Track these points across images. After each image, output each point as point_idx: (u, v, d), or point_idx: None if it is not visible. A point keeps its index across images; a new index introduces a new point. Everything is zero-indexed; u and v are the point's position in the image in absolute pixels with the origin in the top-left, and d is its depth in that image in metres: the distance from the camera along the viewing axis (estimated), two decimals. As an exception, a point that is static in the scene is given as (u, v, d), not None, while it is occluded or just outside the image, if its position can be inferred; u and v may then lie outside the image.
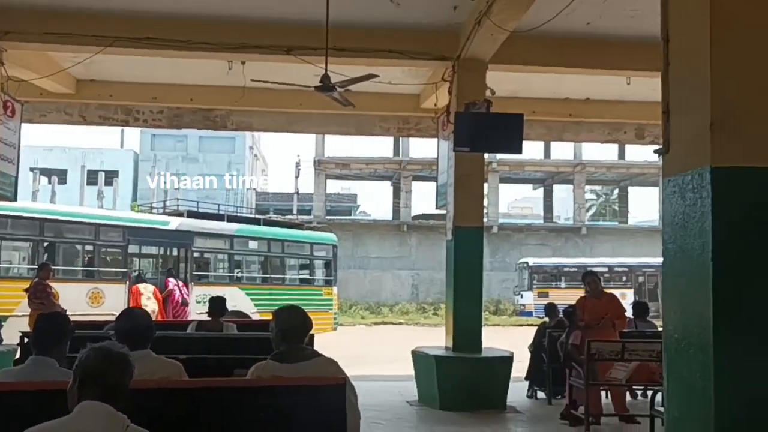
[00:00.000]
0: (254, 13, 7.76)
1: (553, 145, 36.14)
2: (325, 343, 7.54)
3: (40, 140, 38.31)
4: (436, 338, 10.83)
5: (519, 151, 7.59)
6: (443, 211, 8.97)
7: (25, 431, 2.20)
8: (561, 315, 8.66)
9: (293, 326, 3.46)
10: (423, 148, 33.27)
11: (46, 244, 12.82)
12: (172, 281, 14.04)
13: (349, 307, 29.94)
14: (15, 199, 8.73)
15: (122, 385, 2.27)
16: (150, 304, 13.03)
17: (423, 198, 36.63)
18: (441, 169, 8.93)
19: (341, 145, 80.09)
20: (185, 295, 14.13)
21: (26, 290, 10.05)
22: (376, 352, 15.75)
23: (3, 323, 9.28)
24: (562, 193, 45.83)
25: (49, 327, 3.30)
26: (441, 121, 8.86)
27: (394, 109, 10.97)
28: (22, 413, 3.13)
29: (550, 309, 9.40)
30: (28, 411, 3.11)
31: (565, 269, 31.63)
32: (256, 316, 14.36)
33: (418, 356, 8.21)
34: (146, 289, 13.30)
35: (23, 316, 10.31)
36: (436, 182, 9.27)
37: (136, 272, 13.74)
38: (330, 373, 3.35)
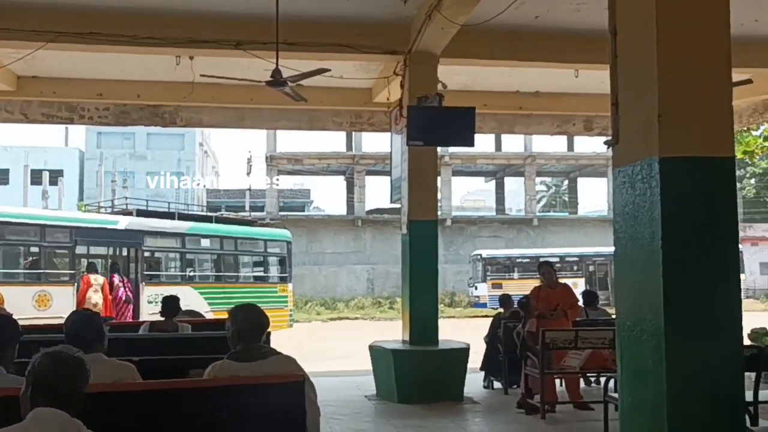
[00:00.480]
0: (202, 6, 7.63)
1: (504, 137, 36.65)
2: (281, 340, 7.50)
3: (-21, 139, 37.04)
4: (393, 332, 10.87)
5: (471, 144, 7.64)
6: (398, 205, 9.00)
7: (-29, 441, 2.12)
8: (515, 306, 8.78)
9: (249, 325, 3.42)
10: (376, 142, 33.34)
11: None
12: (117, 277, 13.78)
13: (304, 304, 29.82)
14: (-46, 201, 8.41)
15: (77, 390, 2.21)
16: (95, 296, 12.86)
17: (377, 192, 36.72)
18: (395, 163, 8.94)
19: (293, 141, 79.48)
20: (129, 292, 13.89)
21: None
22: (333, 348, 15.75)
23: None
24: (513, 185, 46.50)
25: (-2, 332, 3.18)
26: (394, 116, 8.87)
27: (347, 104, 10.94)
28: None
29: (505, 300, 9.52)
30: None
31: (518, 260, 32.09)
32: (210, 315, 14.15)
33: (375, 351, 8.22)
34: (96, 281, 13.09)
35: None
36: (390, 176, 9.28)
37: (90, 261, 13.40)
38: (288, 370, 3.32)
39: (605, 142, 3.85)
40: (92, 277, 13.07)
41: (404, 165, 8.38)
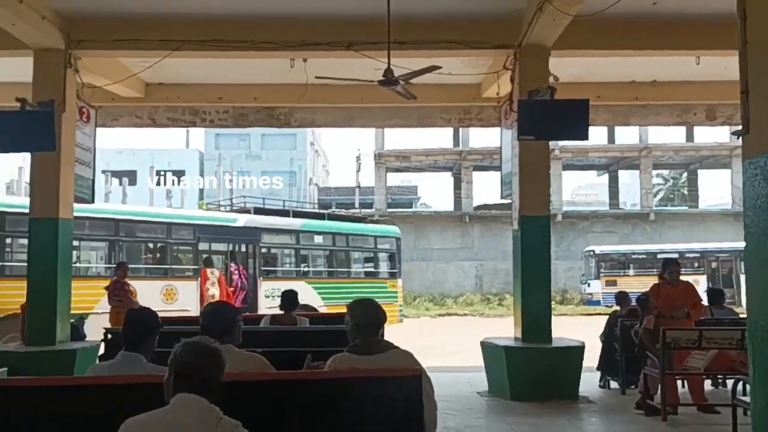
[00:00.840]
0: (315, 10, 7.84)
1: (618, 129, 35.32)
2: (391, 335, 7.60)
3: (111, 143, 39.67)
4: (503, 329, 10.78)
5: (585, 137, 7.45)
6: (508, 201, 8.90)
7: (126, 422, 2.31)
8: (633, 303, 8.49)
9: (368, 319, 3.52)
10: (483, 137, 33.03)
11: (121, 243, 13.30)
12: (233, 266, 14.74)
13: (413, 300, 30.02)
14: (92, 201, 9.08)
15: (214, 378, 2.36)
16: (212, 289, 13.56)
17: (484, 188, 36.37)
18: (505, 159, 8.85)
19: (401, 138, 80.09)
20: (244, 279, 14.79)
21: (106, 288, 10.46)
22: (443, 344, 15.77)
23: (84, 320, 9.69)
24: (627, 178, 44.74)
25: (139, 323, 3.43)
26: (503, 110, 8.79)
27: (455, 100, 10.92)
28: (115, 406, 3.28)
29: (622, 297, 9.22)
30: (120, 404, 3.26)
31: (634, 257, 30.89)
32: (323, 310, 14.57)
33: (487, 347, 8.19)
34: (212, 275, 13.77)
35: (103, 313, 10.74)
36: (500, 172, 9.19)
37: (206, 257, 14.17)
38: (406, 364, 3.39)
39: (733, 132, 3.67)
40: (209, 271, 13.77)
41: (515, 160, 8.29)
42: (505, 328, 10.06)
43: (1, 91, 9.68)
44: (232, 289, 14.32)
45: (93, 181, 8.90)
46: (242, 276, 14.80)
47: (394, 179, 44.91)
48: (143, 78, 9.98)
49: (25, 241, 10.69)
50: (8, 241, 11.83)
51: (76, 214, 8.54)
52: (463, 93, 10.61)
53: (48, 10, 7.47)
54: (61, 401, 3.25)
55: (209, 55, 8.27)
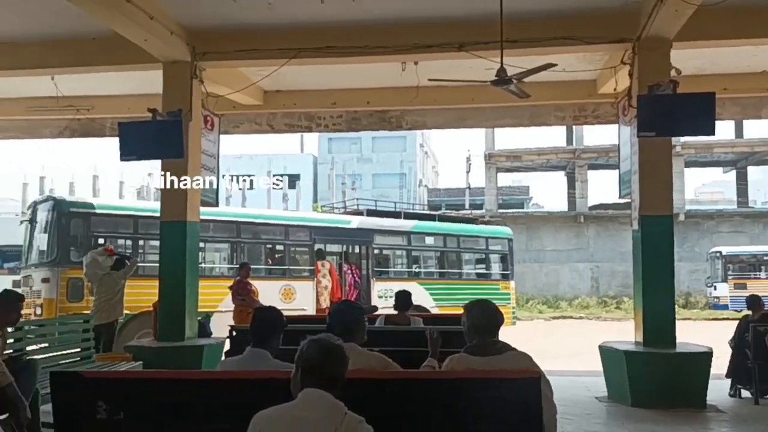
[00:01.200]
0: (426, 13, 7.89)
1: (746, 122, 33.17)
2: (504, 337, 7.52)
3: (230, 149, 41.55)
4: (621, 333, 10.40)
5: (711, 132, 7.08)
6: (626, 200, 8.59)
7: (258, 414, 2.43)
8: (767, 308, 7.98)
9: (485, 320, 3.52)
10: (598, 135, 31.95)
11: (242, 245, 13.92)
12: (345, 265, 15.14)
13: (525, 302, 29.50)
14: (217, 205, 9.56)
15: (339, 374, 2.45)
16: (324, 281, 14.05)
17: (600, 187, 35.19)
18: (623, 157, 8.55)
19: (512, 137, 78.90)
20: (357, 278, 15.14)
21: (230, 288, 10.98)
22: (558, 347, 15.41)
23: (209, 318, 10.21)
24: (758, 174, 41.95)
25: (265, 321, 3.60)
26: (621, 106, 8.49)
27: (570, 97, 10.65)
28: (244, 399, 3.45)
29: (753, 301, 8.66)
30: (248, 397, 3.43)
31: (766, 258, 28.91)
32: (435, 311, 14.61)
33: (606, 351, 7.93)
34: (323, 266, 14.23)
35: (227, 311, 11.28)
36: (618, 170, 8.88)
37: (318, 249, 14.62)
38: (524, 366, 3.36)
39: None
40: (320, 263, 14.23)
41: (634, 158, 7.99)
42: (624, 332, 9.70)
43: (135, 103, 10.43)
44: (346, 288, 14.72)
45: (217, 185, 9.36)
46: (355, 275, 15.16)
47: (505, 179, 44.35)
48: (262, 86, 10.41)
49: (155, 243, 11.43)
50: (141, 243, 12.65)
51: (201, 217, 9.02)
52: (578, 90, 10.34)
53: (175, 25, 7.94)
54: (196, 393, 3.46)
55: (324, 62, 8.50)
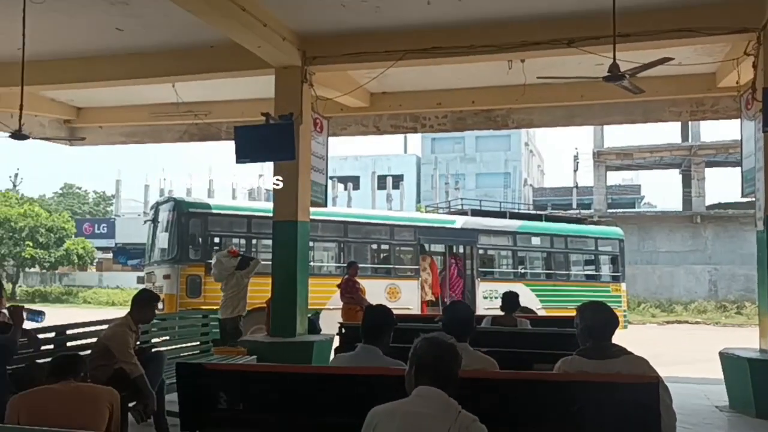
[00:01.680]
0: (534, 10, 7.76)
1: None
2: (616, 341, 7.29)
3: (336, 151, 42.45)
4: (743, 339, 9.83)
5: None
6: (749, 199, 8.11)
7: (374, 409, 2.49)
8: None
9: (599, 322, 3.43)
10: (716, 131, 30.29)
11: (349, 244, 14.21)
12: (450, 258, 15.49)
13: (637, 305, 28.38)
14: (326, 205, 9.80)
15: (453, 373, 2.47)
16: (423, 274, 14.35)
17: (718, 186, 33.34)
18: (746, 153, 8.07)
19: (622, 134, 76.05)
20: (460, 267, 15.42)
21: (338, 286, 11.24)
22: (673, 353, 14.72)
23: (319, 315, 10.49)
24: None
25: (377, 319, 3.67)
26: (744, 100, 8.01)
27: (686, 92, 10.16)
28: (357, 393, 3.54)
29: None
30: (359, 392, 3.51)
31: None
32: (541, 313, 14.35)
33: (727, 358, 7.52)
34: (424, 261, 14.57)
35: (335, 309, 11.55)
36: (741, 167, 8.39)
37: (419, 243, 14.78)
38: (641, 371, 3.27)
39: None
40: (420, 257, 14.61)
41: (758, 154, 7.52)
42: (746, 339, 9.17)
43: (248, 107, 10.88)
44: (451, 276, 15.07)
45: (326, 186, 9.61)
46: (459, 265, 15.50)
47: (615, 178, 42.84)
48: (368, 88, 10.57)
49: (267, 242, 11.86)
50: (254, 241, 13.16)
51: (310, 217, 9.27)
52: (696, 83, 9.86)
53: (287, 31, 8.21)
54: (311, 387, 3.58)
55: (430, 63, 8.54)
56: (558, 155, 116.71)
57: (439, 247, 16.26)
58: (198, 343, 8.42)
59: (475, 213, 16.90)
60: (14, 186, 46.11)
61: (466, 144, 46.26)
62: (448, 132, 12.82)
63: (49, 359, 5.25)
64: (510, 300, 6.61)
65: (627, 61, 7.06)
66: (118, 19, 7.80)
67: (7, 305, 5.56)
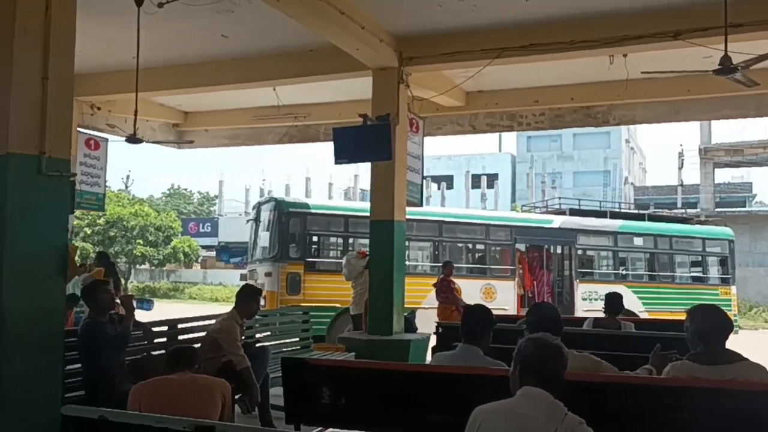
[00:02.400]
0: (637, 3, 7.50)
1: None
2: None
3: (429, 151, 42.48)
4: None
5: None
6: None
7: (478, 408, 2.50)
8: None
9: (711, 326, 3.30)
10: (838, 123, 28.14)
11: (444, 243, 14.21)
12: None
13: (748, 309, 26.86)
14: (422, 205, 9.84)
15: (558, 374, 2.44)
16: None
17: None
18: None
19: (730, 130, 72.22)
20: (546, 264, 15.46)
21: (434, 285, 11.26)
22: (790, 361, 13.86)
23: (414, 314, 10.56)
24: None
25: (477, 318, 3.67)
26: None
27: (804, 83, 9.53)
28: (455, 393, 3.56)
29: None
30: (460, 391, 3.52)
31: None
32: (644, 315, 13.84)
33: None
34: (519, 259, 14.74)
35: (430, 308, 11.58)
36: None
37: (515, 243, 14.74)
38: (759, 378, 3.11)
39: None
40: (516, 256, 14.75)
41: None
42: None
43: (345, 109, 11.08)
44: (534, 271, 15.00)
45: (421, 186, 9.65)
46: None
47: (723, 176, 40.70)
48: (464, 87, 10.53)
49: (362, 241, 12.04)
50: (350, 240, 13.39)
51: (406, 216, 9.34)
52: (817, 74, 9.23)
53: (384, 32, 8.30)
54: (412, 385, 3.63)
55: (527, 60, 8.41)
56: (661, 152, 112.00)
57: (536, 248, 16.01)
58: (298, 339, 8.68)
59: (574, 212, 16.52)
60: (126, 187, 48.79)
61: (563, 142, 45.20)
62: (546, 130, 12.59)
63: (162, 351, 5.58)
64: (614, 301, 6.42)
65: (738, 53, 6.72)
66: (224, 26, 8.12)
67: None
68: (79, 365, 5.03)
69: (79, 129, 10.07)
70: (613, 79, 9.52)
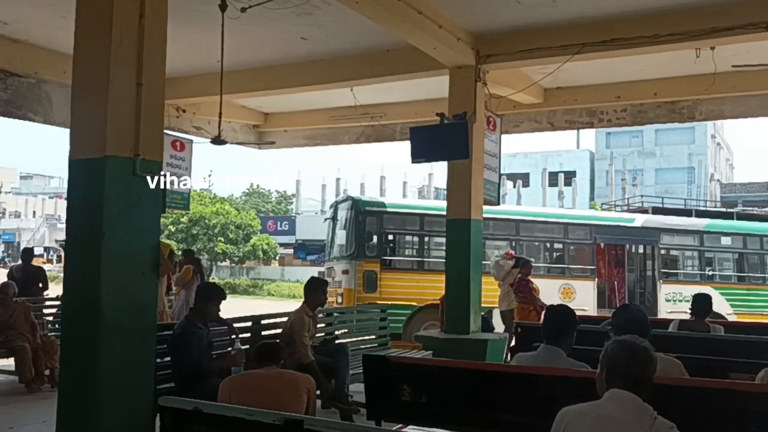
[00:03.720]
0: (728, -7, 7.22)
1: None
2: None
3: (504, 148, 42.00)
4: None
5: None
6: None
7: (564, 409, 2.47)
8: None
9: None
10: None
11: (521, 242, 14.04)
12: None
13: None
14: (499, 203, 9.77)
15: (647, 377, 2.39)
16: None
17: None
18: None
19: (827, 123, 68.37)
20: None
21: (511, 285, 11.15)
22: None
23: (491, 313, 10.49)
24: None
25: (559, 319, 3.63)
26: None
27: None
28: (537, 394, 3.53)
29: None
30: (542, 392, 3.49)
31: None
32: (732, 318, 13.28)
33: None
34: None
35: (507, 309, 11.49)
36: None
37: (594, 242, 14.46)
38: None
39: None
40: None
41: None
42: None
43: (421, 107, 11.11)
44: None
45: (498, 184, 9.57)
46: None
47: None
48: (542, 84, 10.37)
49: (438, 240, 12.04)
50: (426, 239, 13.42)
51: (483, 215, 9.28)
52: None
53: (462, 31, 8.28)
54: (493, 385, 3.62)
55: (609, 55, 8.21)
56: (751, 148, 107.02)
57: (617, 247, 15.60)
58: (375, 336, 8.77)
59: (657, 211, 16.01)
60: (208, 186, 50.36)
61: (645, 138, 43.86)
62: (627, 126, 12.25)
63: (246, 346, 5.76)
64: (702, 303, 6.18)
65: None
66: (303, 28, 8.28)
67: None
68: (169, 358, 5.25)
69: (165, 131, 10.47)
70: (699, 72, 9.20)
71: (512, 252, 11.82)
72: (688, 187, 39.93)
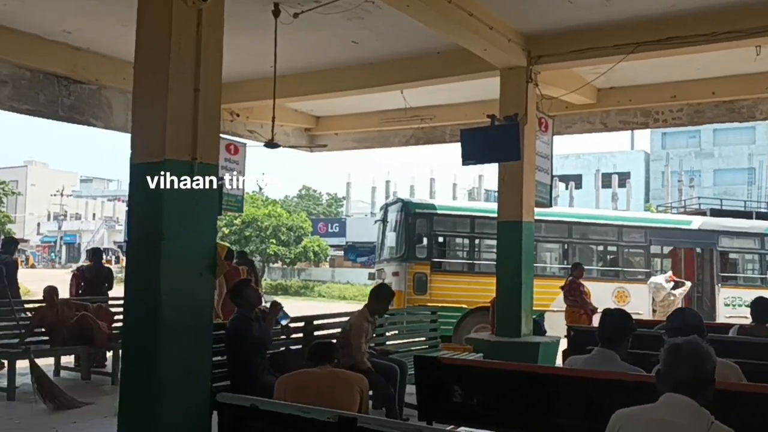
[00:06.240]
0: (789, -12, 7.00)
1: None
2: None
3: (556, 149, 41.47)
4: None
5: None
6: None
7: (618, 412, 2.46)
8: None
9: None
10: None
11: (574, 245, 13.85)
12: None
13: None
14: (551, 205, 9.67)
15: (705, 381, 2.35)
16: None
17: None
18: None
19: None
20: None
21: (562, 288, 11.02)
22: None
23: (543, 316, 10.37)
24: None
25: (615, 323, 3.59)
26: None
27: None
28: (590, 397, 3.50)
29: None
30: (595, 396, 3.46)
31: None
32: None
33: None
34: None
35: (558, 311, 11.35)
36: None
37: (650, 245, 14.25)
38: None
39: None
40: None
41: None
42: None
43: (471, 109, 11.08)
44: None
45: (550, 186, 9.48)
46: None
47: None
48: (595, 84, 10.23)
49: (489, 242, 11.97)
50: (476, 241, 13.36)
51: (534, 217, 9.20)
52: None
53: (512, 32, 8.24)
54: (546, 387, 3.61)
55: (664, 54, 8.05)
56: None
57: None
58: (425, 338, 8.78)
59: (715, 213, 15.60)
60: (260, 189, 51.13)
61: (702, 138, 42.69)
62: (684, 126, 11.97)
63: (299, 346, 5.85)
64: (763, 308, 6.01)
65: None
66: (354, 33, 8.37)
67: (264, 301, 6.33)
68: (224, 356, 5.37)
69: (220, 135, 10.70)
70: (759, 71, 8.95)
71: (673, 275, 12.54)
72: (749, 189, 38.67)
